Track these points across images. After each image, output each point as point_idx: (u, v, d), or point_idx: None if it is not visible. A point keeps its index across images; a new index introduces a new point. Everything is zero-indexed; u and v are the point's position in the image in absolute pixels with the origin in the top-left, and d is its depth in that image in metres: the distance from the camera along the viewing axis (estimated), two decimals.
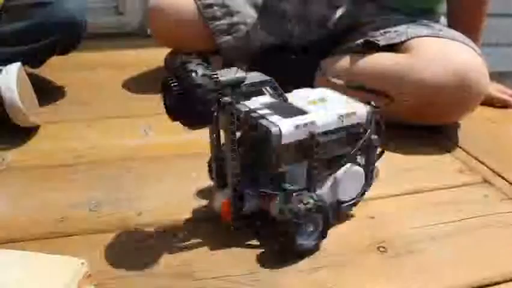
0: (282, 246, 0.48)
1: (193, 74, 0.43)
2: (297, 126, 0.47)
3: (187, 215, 0.54)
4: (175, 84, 0.43)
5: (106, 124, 0.79)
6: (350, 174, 0.52)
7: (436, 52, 0.72)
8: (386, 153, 0.55)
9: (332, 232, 0.50)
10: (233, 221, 0.50)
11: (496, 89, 0.91)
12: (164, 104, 0.46)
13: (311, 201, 0.47)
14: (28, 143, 0.71)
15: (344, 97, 0.55)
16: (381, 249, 0.50)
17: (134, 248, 0.49)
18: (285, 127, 0.47)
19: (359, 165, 0.53)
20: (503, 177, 0.65)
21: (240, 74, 0.46)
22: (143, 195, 0.58)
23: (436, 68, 0.70)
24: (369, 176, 0.54)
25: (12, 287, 0.38)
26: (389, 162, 0.68)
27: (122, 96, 0.92)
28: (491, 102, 0.90)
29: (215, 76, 0.44)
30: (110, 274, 0.45)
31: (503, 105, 0.91)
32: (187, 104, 0.43)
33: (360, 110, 0.51)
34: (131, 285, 0.44)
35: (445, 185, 0.63)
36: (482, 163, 0.69)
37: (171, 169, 0.65)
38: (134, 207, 0.56)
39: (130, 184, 0.61)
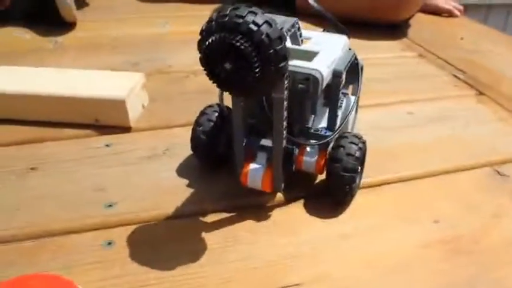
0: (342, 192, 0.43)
1: (255, 26, 0.30)
2: (328, 67, 0.40)
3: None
4: (244, 41, 0.30)
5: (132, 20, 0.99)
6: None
7: None
8: None
9: None
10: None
11: (441, 1, 1.13)
12: (217, 74, 0.32)
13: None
14: (73, 32, 0.91)
15: (321, 32, 0.50)
16: None
17: None
18: (324, 70, 0.40)
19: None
20: (433, 53, 0.88)
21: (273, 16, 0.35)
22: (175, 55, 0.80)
23: None
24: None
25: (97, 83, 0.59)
26: None
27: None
28: (437, 12, 1.12)
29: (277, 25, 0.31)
30: None
31: (448, 14, 1.13)
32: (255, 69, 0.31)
33: (345, 39, 0.48)
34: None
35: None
36: (420, 45, 0.92)
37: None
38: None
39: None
